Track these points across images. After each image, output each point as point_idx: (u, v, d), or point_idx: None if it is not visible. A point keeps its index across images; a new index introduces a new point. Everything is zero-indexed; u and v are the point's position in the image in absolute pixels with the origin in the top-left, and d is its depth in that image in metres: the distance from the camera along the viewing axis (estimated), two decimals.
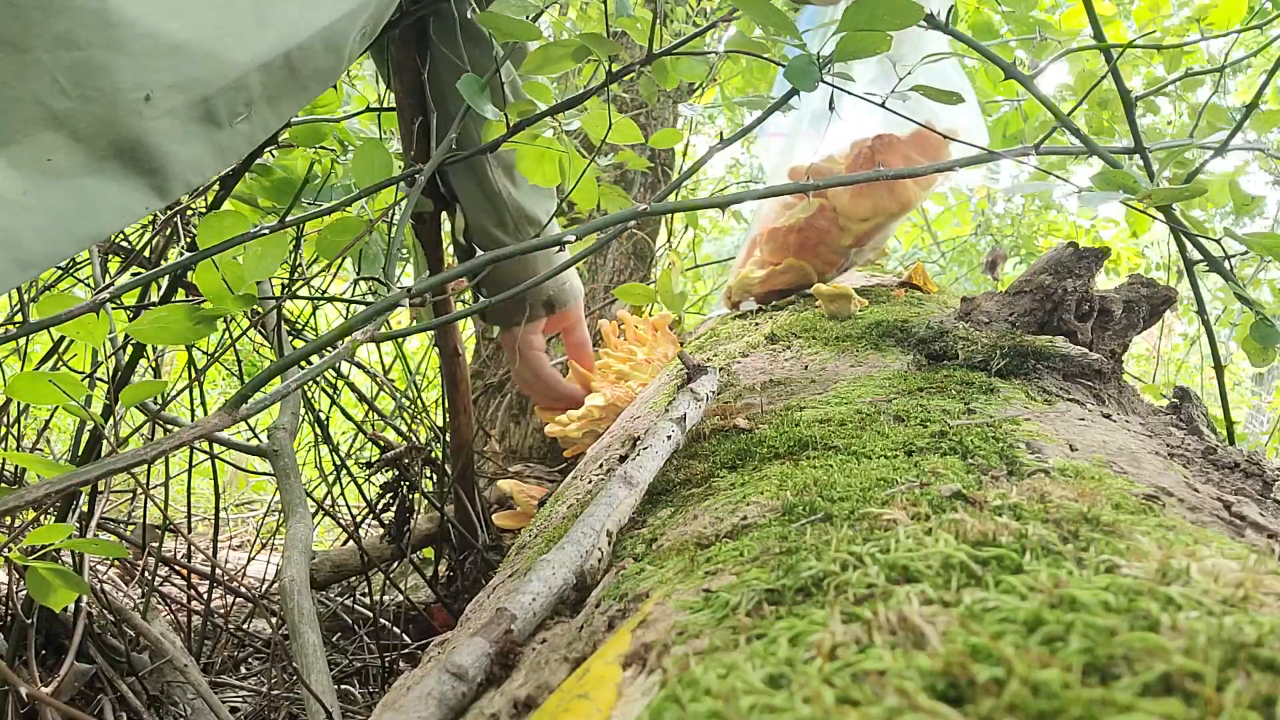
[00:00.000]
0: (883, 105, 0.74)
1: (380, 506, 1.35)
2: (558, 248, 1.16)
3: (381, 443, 1.34)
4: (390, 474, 1.34)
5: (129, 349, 0.98)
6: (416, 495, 1.35)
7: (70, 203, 0.46)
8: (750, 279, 1.16)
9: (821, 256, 1.14)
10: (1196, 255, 0.82)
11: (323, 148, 1.14)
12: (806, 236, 1.12)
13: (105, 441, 0.99)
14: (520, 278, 1.20)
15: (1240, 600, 0.27)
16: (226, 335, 1.44)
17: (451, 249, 1.29)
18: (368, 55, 1.23)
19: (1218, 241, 0.81)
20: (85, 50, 0.44)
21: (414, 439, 1.55)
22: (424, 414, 1.73)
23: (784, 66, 0.71)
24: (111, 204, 0.48)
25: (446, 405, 1.31)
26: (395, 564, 1.62)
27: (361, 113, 1.19)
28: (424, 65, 0.99)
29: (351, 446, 1.88)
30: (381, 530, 1.41)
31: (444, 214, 1.16)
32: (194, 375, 1.41)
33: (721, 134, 0.81)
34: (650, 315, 1.39)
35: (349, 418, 1.64)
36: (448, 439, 1.35)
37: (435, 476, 1.47)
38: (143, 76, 0.47)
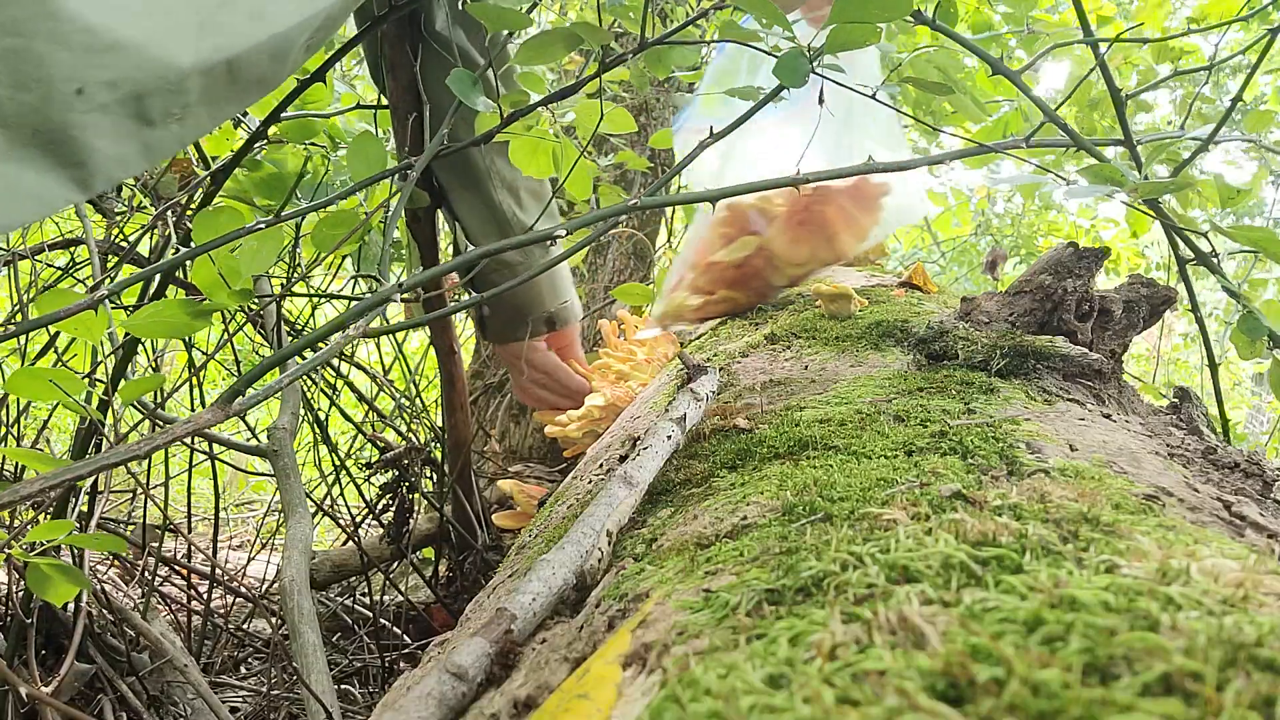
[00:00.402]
0: (873, 97, 0.74)
1: (380, 507, 1.35)
2: (550, 248, 1.17)
3: (380, 443, 1.34)
4: (390, 474, 1.34)
5: (124, 345, 0.99)
6: (416, 495, 1.35)
7: None
8: (686, 305, 1.20)
9: (754, 289, 1.18)
10: (1189, 253, 0.82)
11: (313, 144, 1.14)
12: (743, 272, 1.16)
13: (104, 439, 0.99)
14: (522, 295, 1.20)
15: (1240, 600, 0.27)
16: (224, 333, 1.44)
17: (450, 249, 1.29)
18: (363, 56, 1.22)
19: (1205, 236, 0.81)
20: (25, 39, 0.44)
21: (413, 439, 1.55)
22: (424, 414, 1.73)
23: (767, 52, 0.71)
24: (29, 193, 0.48)
25: (443, 404, 1.31)
26: (395, 564, 1.63)
27: (352, 109, 1.19)
28: (416, 61, 0.99)
29: (351, 447, 1.88)
30: (381, 530, 1.41)
31: (439, 211, 1.16)
32: (193, 372, 1.41)
33: (711, 129, 0.80)
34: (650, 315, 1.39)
35: (348, 419, 1.64)
36: (446, 438, 1.35)
37: (435, 476, 1.47)
38: (78, 71, 0.47)
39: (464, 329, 2.37)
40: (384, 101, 1.09)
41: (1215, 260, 0.80)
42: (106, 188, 0.54)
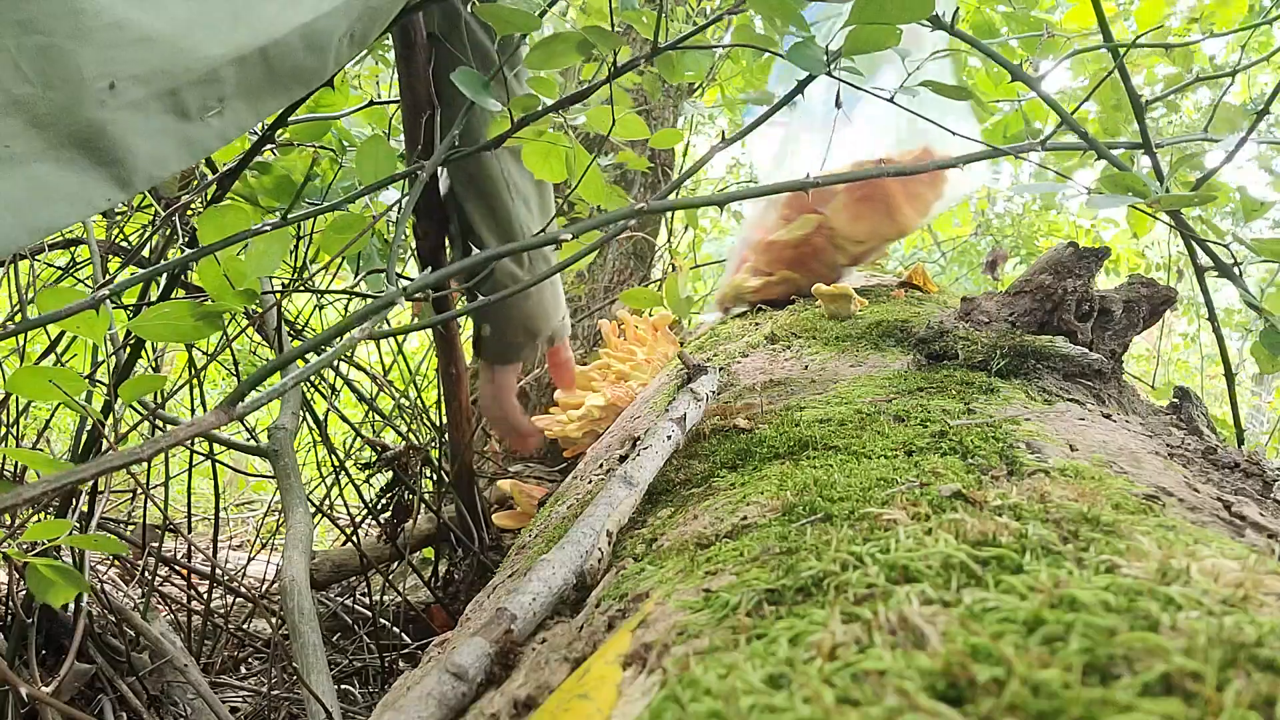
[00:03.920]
0: (891, 100, 0.74)
1: (380, 507, 1.35)
2: (553, 257, 1.17)
3: (378, 446, 1.34)
4: (389, 475, 1.34)
5: (128, 347, 0.98)
6: (414, 495, 1.35)
7: (25, 191, 0.45)
8: (745, 287, 1.17)
9: (815, 271, 1.15)
10: (1207, 261, 0.82)
11: (322, 147, 1.14)
12: (802, 252, 1.14)
13: (104, 439, 0.99)
14: (529, 312, 1.19)
15: (1240, 600, 0.27)
16: (223, 336, 1.44)
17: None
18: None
19: (1227, 247, 0.80)
20: (49, 36, 0.44)
21: (414, 439, 1.55)
22: (424, 414, 1.73)
23: (782, 55, 0.71)
24: (69, 194, 0.47)
25: (445, 419, 1.30)
26: (396, 565, 1.63)
27: (361, 108, 1.19)
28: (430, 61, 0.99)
29: (351, 448, 1.89)
30: (380, 531, 1.41)
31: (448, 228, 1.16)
32: (193, 373, 1.41)
33: (723, 133, 0.80)
34: (650, 315, 1.39)
35: (345, 420, 1.64)
36: (445, 446, 1.35)
37: (434, 477, 1.47)
38: (108, 66, 0.46)
39: (464, 336, 2.37)
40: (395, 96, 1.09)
41: (1238, 272, 0.80)
42: (147, 186, 0.53)
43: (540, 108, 0.85)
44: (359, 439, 1.73)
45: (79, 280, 1.42)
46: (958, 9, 0.73)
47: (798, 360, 0.86)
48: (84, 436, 1.07)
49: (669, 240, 2.39)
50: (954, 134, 0.76)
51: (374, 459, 1.33)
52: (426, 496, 1.41)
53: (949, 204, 1.17)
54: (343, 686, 1.35)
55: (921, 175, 1.10)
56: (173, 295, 1.02)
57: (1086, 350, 0.71)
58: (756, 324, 1.09)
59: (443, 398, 1.28)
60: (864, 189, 1.09)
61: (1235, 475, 0.54)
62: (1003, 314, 0.75)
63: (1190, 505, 0.43)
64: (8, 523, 1.07)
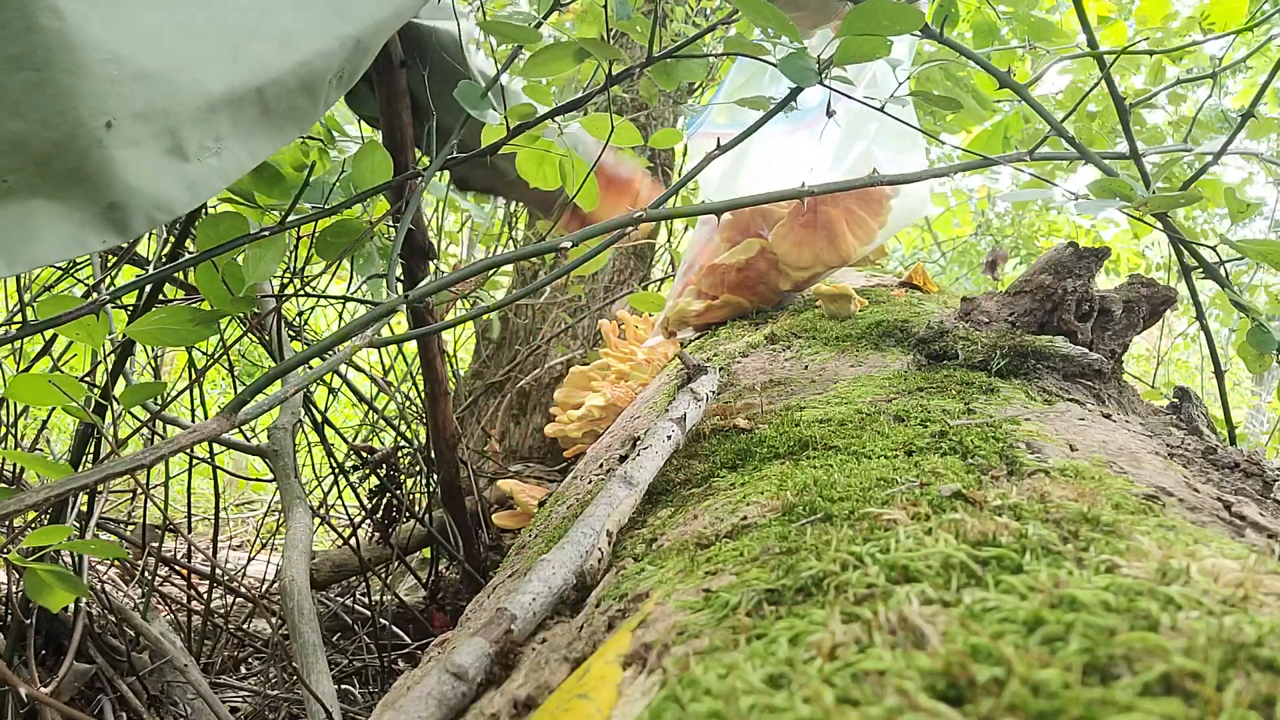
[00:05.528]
0: (881, 109, 0.74)
1: (372, 507, 1.35)
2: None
3: (364, 451, 1.34)
4: (381, 475, 1.34)
5: (120, 346, 0.99)
6: (401, 500, 1.35)
7: (15, 224, 0.44)
8: (688, 310, 1.17)
9: (759, 294, 1.15)
10: (1194, 261, 0.82)
11: (311, 138, 1.14)
12: (746, 275, 1.14)
13: (105, 441, 0.99)
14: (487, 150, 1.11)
15: (1240, 600, 0.27)
16: (219, 343, 1.43)
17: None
18: None
19: (1213, 249, 0.80)
20: (43, 72, 0.42)
21: (410, 440, 1.55)
22: (422, 412, 1.73)
23: (773, 64, 0.71)
24: (60, 233, 0.46)
25: (428, 417, 1.30)
26: (395, 566, 1.63)
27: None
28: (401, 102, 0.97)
29: (351, 445, 1.88)
30: (376, 533, 1.42)
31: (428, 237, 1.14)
32: (193, 378, 1.41)
33: (719, 140, 0.80)
34: (650, 315, 1.39)
35: (338, 433, 1.64)
36: (432, 449, 1.35)
37: (424, 481, 1.47)
38: (105, 103, 0.45)
39: (463, 335, 2.37)
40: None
41: (1224, 273, 0.80)
42: (147, 229, 0.51)
43: (535, 116, 0.85)
44: (359, 434, 1.73)
45: (78, 280, 1.42)
46: (946, 17, 0.73)
47: (798, 360, 0.86)
48: (82, 438, 1.07)
49: (669, 240, 2.39)
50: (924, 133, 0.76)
51: (362, 462, 1.33)
52: (416, 499, 1.41)
53: (891, 232, 1.17)
54: (343, 686, 1.35)
55: (865, 199, 1.12)
56: (164, 292, 1.02)
57: (1086, 350, 0.71)
58: (756, 324, 1.09)
59: (428, 412, 1.27)
60: (807, 216, 1.10)
61: (1235, 475, 0.54)
62: (1003, 314, 0.75)
63: (1190, 505, 0.43)
64: (8, 526, 1.07)
